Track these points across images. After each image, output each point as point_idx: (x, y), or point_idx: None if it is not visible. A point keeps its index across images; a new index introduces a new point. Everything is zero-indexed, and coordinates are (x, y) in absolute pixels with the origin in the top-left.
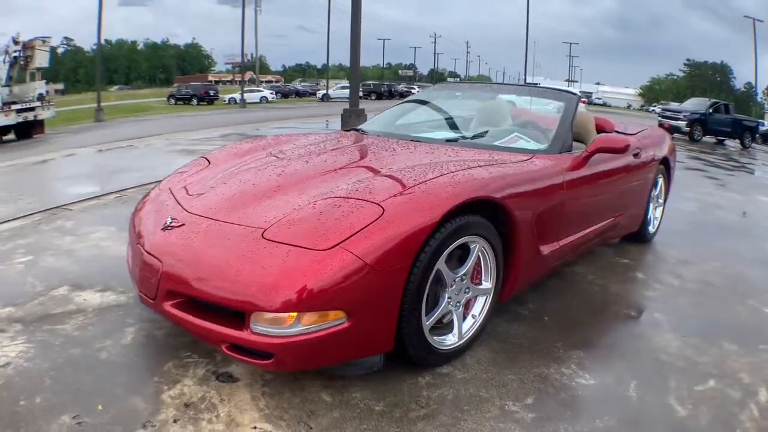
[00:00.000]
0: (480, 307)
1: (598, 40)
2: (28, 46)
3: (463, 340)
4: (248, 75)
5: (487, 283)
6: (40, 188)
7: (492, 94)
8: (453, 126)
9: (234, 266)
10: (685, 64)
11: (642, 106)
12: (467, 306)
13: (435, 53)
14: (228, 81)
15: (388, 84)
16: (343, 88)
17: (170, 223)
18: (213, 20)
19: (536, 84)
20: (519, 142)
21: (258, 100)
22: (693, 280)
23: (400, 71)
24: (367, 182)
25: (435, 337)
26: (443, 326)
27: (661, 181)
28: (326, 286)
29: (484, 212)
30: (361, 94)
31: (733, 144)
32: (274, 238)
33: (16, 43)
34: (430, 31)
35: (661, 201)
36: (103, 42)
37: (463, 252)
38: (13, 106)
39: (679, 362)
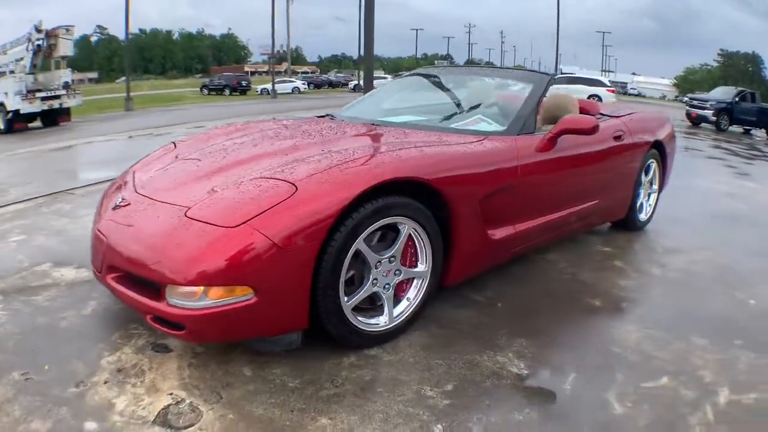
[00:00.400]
0: (415, 290)
1: (635, 31)
2: (51, 35)
3: (394, 323)
4: (284, 65)
5: (423, 267)
6: (52, 173)
7: (463, 78)
8: (421, 109)
9: (157, 242)
10: (719, 54)
11: (676, 96)
12: (402, 289)
13: (469, 43)
14: (263, 72)
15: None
16: (376, 78)
17: (119, 203)
18: (249, 11)
19: (570, 74)
20: (480, 124)
21: (290, 91)
22: (677, 269)
23: (435, 62)
24: (295, 163)
25: (362, 318)
26: (376, 308)
27: (654, 166)
28: (232, 262)
29: (417, 194)
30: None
31: (759, 134)
32: (193, 216)
33: (38, 31)
34: (464, 21)
35: (655, 187)
36: (137, 31)
37: (397, 234)
38: (38, 94)
39: (633, 356)
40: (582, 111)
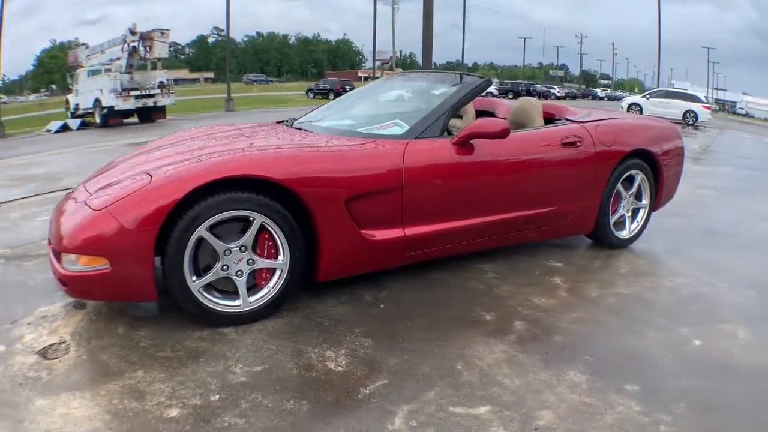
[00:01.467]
0: (275, 280)
1: (749, 49)
2: (146, 37)
3: (249, 308)
4: (398, 71)
5: (282, 259)
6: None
7: (409, 83)
8: (356, 114)
9: (63, 222)
10: None
11: None
12: (263, 278)
13: (581, 53)
14: (378, 77)
15: (526, 83)
16: None
17: (70, 193)
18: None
19: (682, 90)
20: (392, 128)
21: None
22: (619, 296)
23: (550, 71)
24: (179, 162)
25: (216, 299)
26: (237, 292)
27: (639, 178)
28: (93, 238)
29: (272, 192)
30: (495, 92)
31: None
32: (88, 202)
33: (133, 33)
34: (576, 31)
35: (644, 203)
36: (254, 34)
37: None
38: (132, 92)
39: (470, 377)
40: (547, 116)
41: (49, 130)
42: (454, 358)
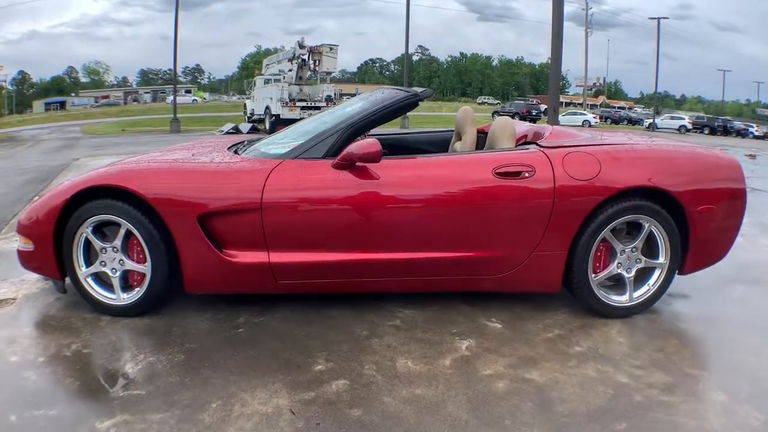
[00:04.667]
0: (144, 283)
1: None
2: (315, 51)
3: (122, 302)
4: (600, 99)
5: (148, 264)
6: None
7: (352, 101)
8: (295, 136)
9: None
10: None
11: None
12: (137, 279)
13: None
14: (579, 103)
15: (723, 119)
16: (672, 118)
17: None
18: (570, 42)
19: None
20: (281, 148)
21: (580, 124)
22: (526, 390)
23: (757, 109)
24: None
25: (99, 290)
26: (126, 286)
27: (649, 227)
28: (25, 224)
29: (138, 203)
30: (689, 126)
31: None
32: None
33: (301, 47)
34: None
35: (660, 261)
36: (458, 55)
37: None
38: (299, 103)
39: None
40: (520, 138)
41: (221, 131)
42: (217, 396)
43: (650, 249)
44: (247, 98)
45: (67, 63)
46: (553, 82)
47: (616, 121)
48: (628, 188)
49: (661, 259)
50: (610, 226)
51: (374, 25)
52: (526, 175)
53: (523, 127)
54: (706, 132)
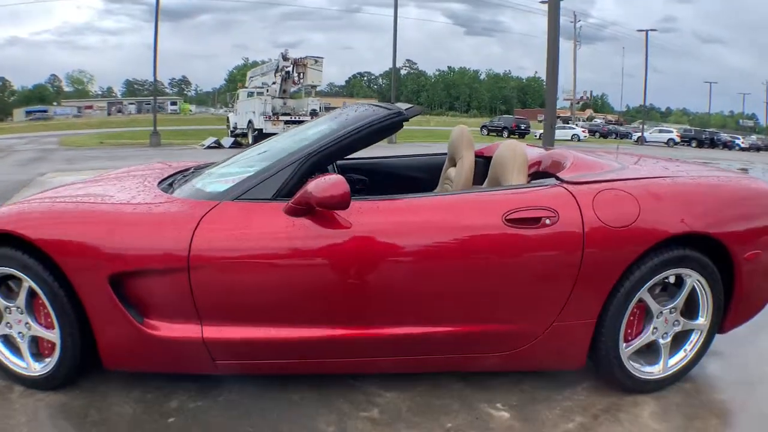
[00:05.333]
0: (54, 354)
1: None
2: (299, 64)
3: (33, 373)
4: (587, 112)
5: (56, 331)
6: None
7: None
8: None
9: None
10: None
11: None
12: (47, 347)
13: (766, 102)
14: (567, 117)
15: (710, 132)
16: (661, 131)
17: None
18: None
19: None
20: (222, 184)
21: (569, 138)
22: None
23: (741, 120)
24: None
25: (11, 356)
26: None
27: (692, 282)
28: None
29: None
30: (678, 139)
31: None
32: None
33: (285, 59)
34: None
35: (700, 322)
36: (446, 68)
37: None
38: (282, 117)
39: None
40: (532, 166)
41: (202, 145)
42: None
43: (688, 307)
44: (231, 111)
45: (50, 71)
46: (550, 98)
47: (605, 135)
48: (676, 235)
49: (702, 320)
50: (650, 283)
51: (362, 39)
52: (547, 222)
53: (533, 152)
54: (694, 145)
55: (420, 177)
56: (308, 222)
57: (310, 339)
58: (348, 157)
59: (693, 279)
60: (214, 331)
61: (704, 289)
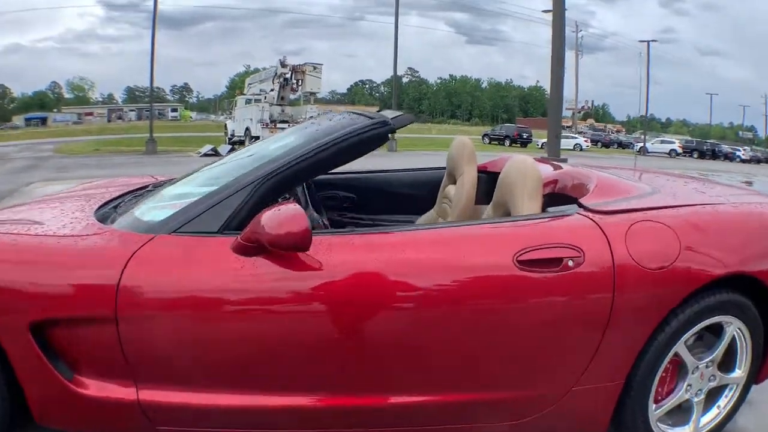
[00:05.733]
0: None
1: None
2: (297, 70)
3: None
4: (589, 121)
5: None
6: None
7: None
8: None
9: None
10: None
11: None
12: None
13: (765, 114)
14: (568, 126)
15: (711, 143)
16: (663, 142)
17: None
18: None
19: None
20: (165, 210)
21: (571, 147)
22: None
23: (740, 132)
24: None
25: None
26: None
27: (733, 331)
28: None
29: None
30: (680, 150)
31: None
32: None
33: (283, 66)
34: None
35: (737, 374)
36: (447, 77)
37: None
38: (279, 124)
39: None
40: (550, 188)
41: (199, 152)
42: None
43: (725, 358)
44: (229, 118)
45: (51, 78)
46: (554, 107)
47: (607, 145)
48: (721, 276)
49: (739, 372)
50: (688, 334)
51: (365, 47)
52: (570, 264)
53: (548, 169)
54: (696, 156)
55: (415, 194)
56: (263, 261)
57: (267, 408)
58: (333, 171)
59: (734, 327)
60: (150, 393)
61: (744, 337)
